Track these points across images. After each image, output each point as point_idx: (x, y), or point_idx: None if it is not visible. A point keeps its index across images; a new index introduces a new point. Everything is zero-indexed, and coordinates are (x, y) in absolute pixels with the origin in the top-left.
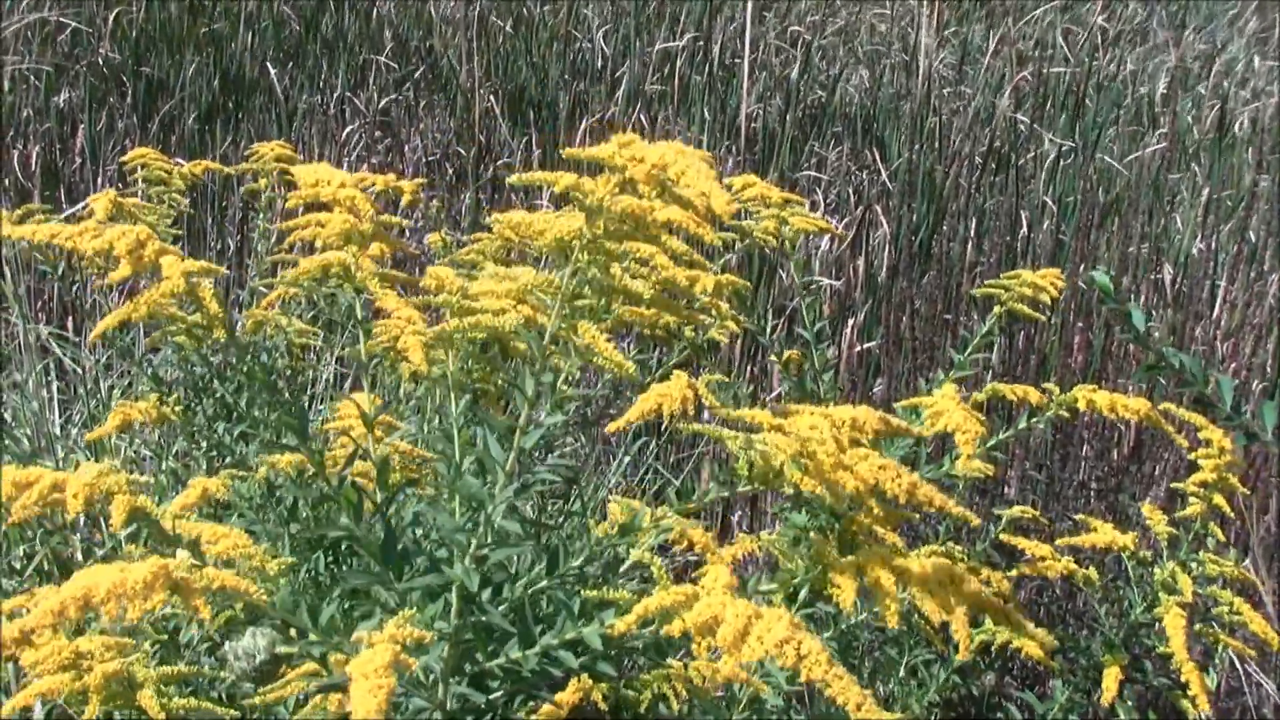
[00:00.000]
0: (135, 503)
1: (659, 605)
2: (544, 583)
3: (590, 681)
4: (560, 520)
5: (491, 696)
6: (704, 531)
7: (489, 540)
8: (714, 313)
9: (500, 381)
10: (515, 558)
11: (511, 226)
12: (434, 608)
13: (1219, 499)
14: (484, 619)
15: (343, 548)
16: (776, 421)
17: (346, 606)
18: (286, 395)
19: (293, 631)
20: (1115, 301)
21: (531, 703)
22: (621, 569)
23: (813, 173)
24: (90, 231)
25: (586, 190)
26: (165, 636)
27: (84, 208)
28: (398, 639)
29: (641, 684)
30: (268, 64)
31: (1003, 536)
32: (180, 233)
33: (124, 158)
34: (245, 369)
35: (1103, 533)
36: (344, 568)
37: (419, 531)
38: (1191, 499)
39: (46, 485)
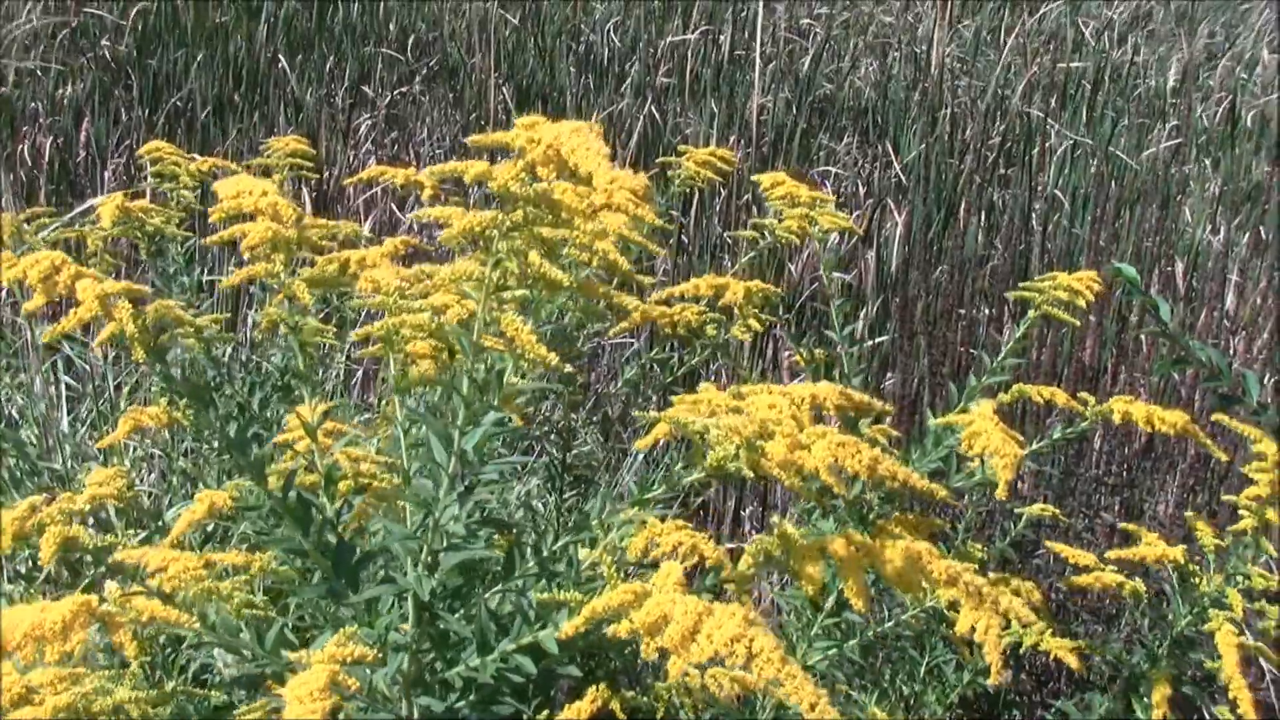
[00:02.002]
0: (67, 534)
1: (607, 605)
2: (499, 586)
3: (608, 691)
4: (564, 516)
5: (455, 706)
6: (714, 546)
7: (440, 545)
8: (738, 311)
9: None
10: (482, 561)
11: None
12: (386, 617)
13: (1272, 514)
14: (441, 626)
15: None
16: (734, 403)
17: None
18: (299, 390)
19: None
20: (1143, 293)
21: (547, 711)
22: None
23: (823, 166)
24: (6, 261)
25: (493, 176)
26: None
27: (89, 210)
28: (338, 658)
29: (655, 694)
30: (280, 56)
31: (1047, 543)
32: (189, 234)
33: (139, 151)
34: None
35: (1153, 546)
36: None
37: (378, 540)
38: (1243, 511)
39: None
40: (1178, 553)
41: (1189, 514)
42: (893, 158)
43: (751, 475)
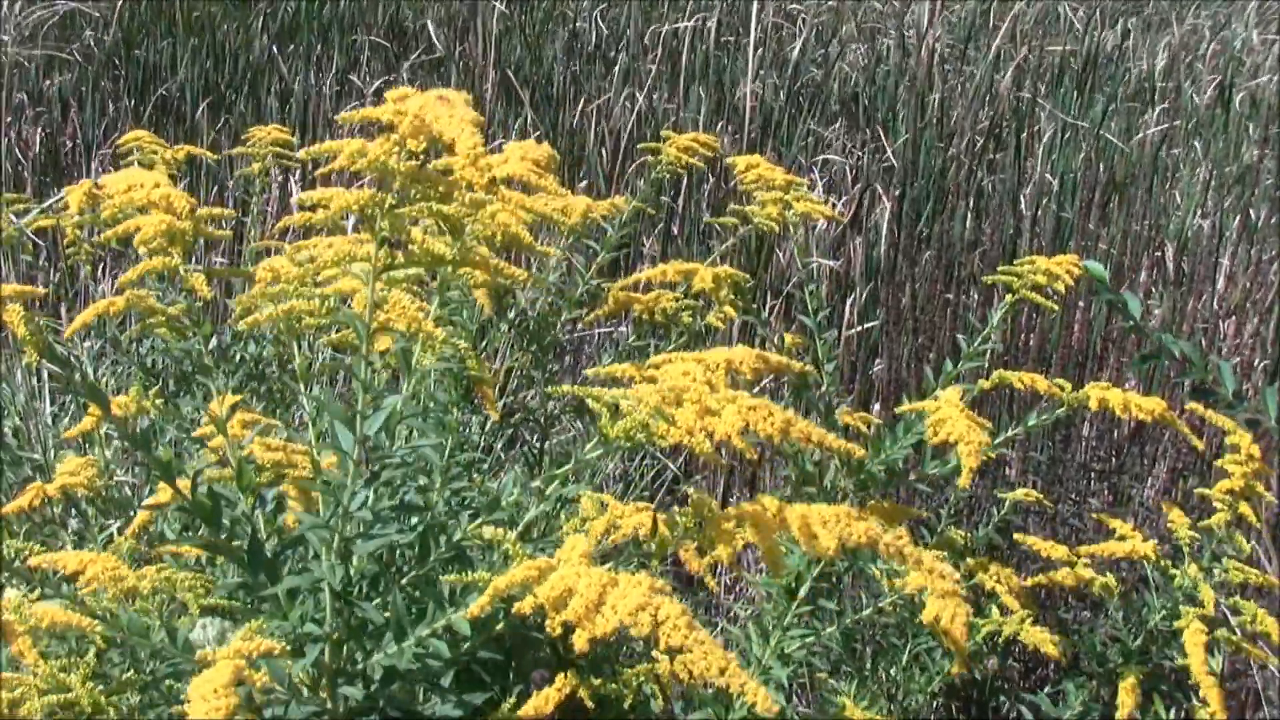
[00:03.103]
0: None
1: (510, 582)
2: (414, 572)
3: (575, 679)
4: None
5: (373, 693)
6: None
7: (352, 532)
8: (712, 299)
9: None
10: (399, 549)
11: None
12: (301, 608)
13: (1245, 508)
14: (359, 615)
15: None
16: (647, 373)
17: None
18: (277, 382)
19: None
20: (1111, 291)
21: (513, 699)
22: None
23: (812, 152)
24: None
25: (367, 154)
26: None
27: (60, 199)
28: (243, 653)
29: (624, 681)
30: (271, 44)
31: (1016, 536)
32: None
33: (119, 140)
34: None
35: (1126, 542)
36: None
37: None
38: (1216, 504)
39: None
40: (1149, 548)
41: (1167, 505)
42: (883, 141)
43: (661, 442)
